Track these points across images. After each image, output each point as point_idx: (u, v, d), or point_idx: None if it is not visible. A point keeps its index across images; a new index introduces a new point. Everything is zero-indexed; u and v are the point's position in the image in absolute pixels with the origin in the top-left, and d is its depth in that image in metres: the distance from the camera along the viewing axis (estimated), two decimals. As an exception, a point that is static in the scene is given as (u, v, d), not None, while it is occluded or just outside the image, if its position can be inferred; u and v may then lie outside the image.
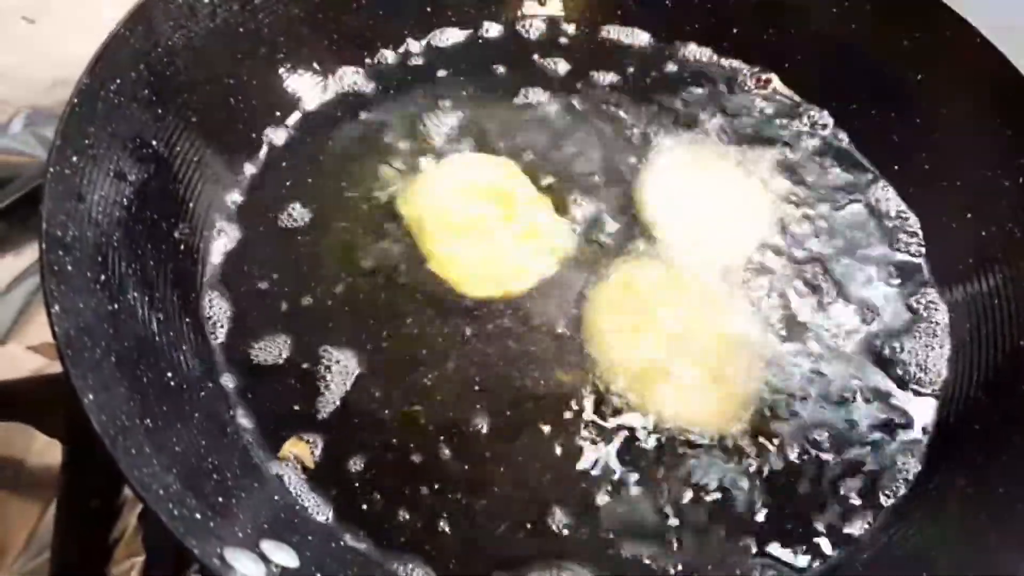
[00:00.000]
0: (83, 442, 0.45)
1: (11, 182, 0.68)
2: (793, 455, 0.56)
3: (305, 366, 0.56)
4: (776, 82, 0.73)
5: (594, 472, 0.54)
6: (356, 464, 0.53)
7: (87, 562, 0.54)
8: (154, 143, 0.57)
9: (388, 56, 0.72)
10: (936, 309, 0.62)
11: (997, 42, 0.62)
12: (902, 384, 0.59)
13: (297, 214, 0.63)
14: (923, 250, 0.65)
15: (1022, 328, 0.57)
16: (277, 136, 0.66)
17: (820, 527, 0.54)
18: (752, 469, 0.55)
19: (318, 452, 0.53)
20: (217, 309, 0.58)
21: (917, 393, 0.59)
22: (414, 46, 0.73)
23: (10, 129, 0.72)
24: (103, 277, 0.50)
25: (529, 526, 0.52)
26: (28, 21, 0.78)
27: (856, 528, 0.54)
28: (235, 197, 0.63)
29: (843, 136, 0.71)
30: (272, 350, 0.57)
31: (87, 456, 0.54)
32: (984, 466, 0.53)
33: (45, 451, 0.58)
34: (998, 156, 0.62)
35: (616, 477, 0.54)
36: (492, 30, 0.75)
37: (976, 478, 0.53)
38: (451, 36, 0.74)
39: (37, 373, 0.61)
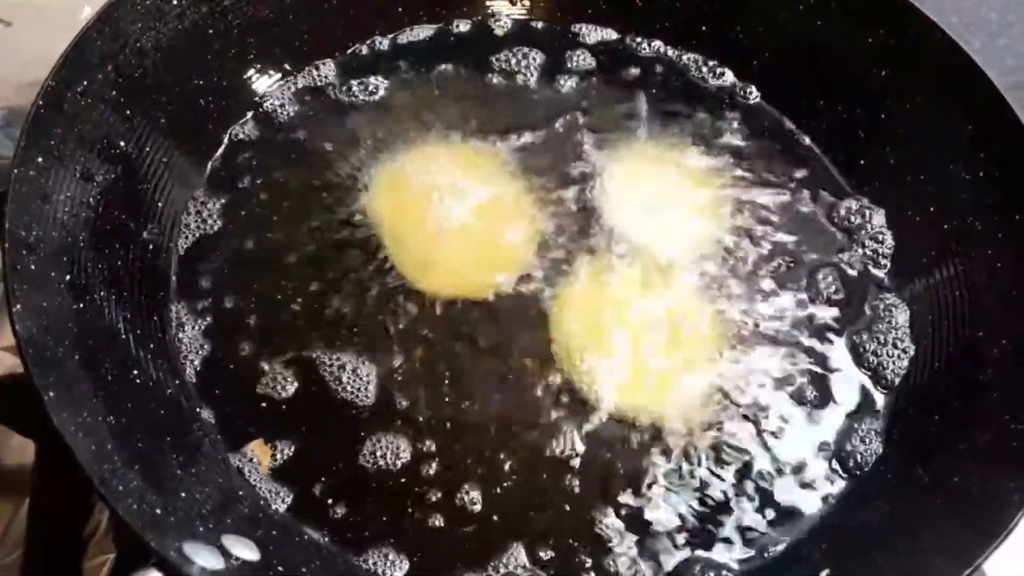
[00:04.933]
0: (54, 440, 0.46)
1: (-14, 183, 0.69)
2: (751, 441, 0.57)
3: (270, 362, 0.57)
4: (742, 81, 0.74)
5: (562, 464, 0.55)
6: (318, 459, 0.54)
7: (59, 559, 0.55)
8: (122, 144, 0.58)
9: (357, 52, 0.73)
10: (898, 302, 0.63)
11: (960, 40, 0.63)
12: (862, 374, 0.60)
13: (265, 212, 0.63)
14: (887, 244, 0.65)
15: (978, 320, 0.58)
16: (245, 135, 0.67)
17: (776, 511, 0.55)
18: (711, 455, 0.56)
19: (280, 450, 0.54)
20: (184, 308, 0.58)
21: (877, 383, 0.60)
22: (383, 42, 0.73)
23: (-15, 131, 0.73)
24: (68, 277, 0.50)
25: (495, 519, 0.53)
26: (4, 23, 0.79)
27: (813, 513, 0.55)
28: (203, 196, 0.63)
29: (806, 133, 0.71)
30: (238, 347, 0.57)
31: (59, 454, 0.55)
32: (941, 455, 0.54)
33: (19, 449, 0.58)
34: (960, 150, 0.62)
35: (584, 466, 0.55)
36: (462, 26, 0.75)
37: (933, 466, 0.54)
38: (421, 32, 0.74)
39: (11, 372, 0.62)
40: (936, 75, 0.64)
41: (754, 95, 0.73)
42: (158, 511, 0.44)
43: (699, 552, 0.53)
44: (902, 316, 0.62)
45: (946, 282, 0.61)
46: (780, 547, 0.54)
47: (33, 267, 0.48)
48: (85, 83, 0.55)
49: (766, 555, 0.54)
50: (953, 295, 0.60)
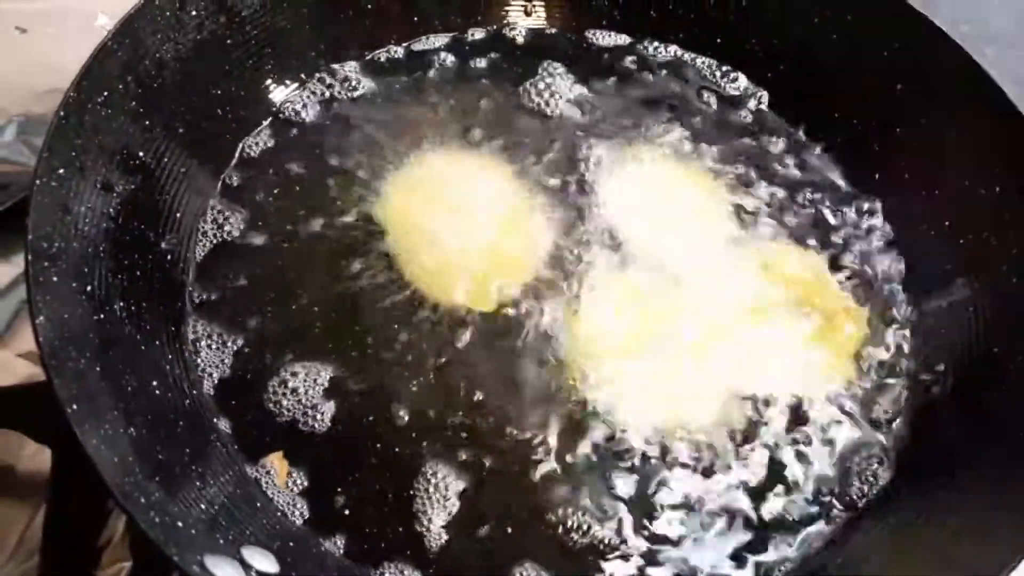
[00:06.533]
0: (71, 448, 0.46)
1: (3, 191, 0.69)
2: (762, 460, 0.57)
3: (285, 373, 0.57)
4: (756, 91, 0.74)
5: (577, 478, 0.55)
6: (335, 472, 0.54)
7: (74, 567, 0.55)
8: (141, 154, 0.58)
9: (373, 61, 0.73)
10: (913, 317, 0.63)
11: (973, 51, 0.63)
12: (876, 389, 0.60)
13: (281, 223, 0.63)
14: (902, 259, 0.65)
15: (993, 336, 0.58)
16: (262, 144, 0.67)
17: (786, 530, 0.55)
18: (723, 473, 0.56)
19: (296, 462, 0.54)
20: (201, 319, 0.59)
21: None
22: (399, 51, 0.74)
23: (2, 138, 0.73)
24: (89, 288, 0.51)
25: (510, 533, 0.53)
26: (20, 30, 0.79)
27: (825, 535, 0.55)
28: (220, 205, 0.63)
29: (818, 145, 0.72)
30: (254, 358, 0.57)
31: (75, 462, 0.55)
32: (956, 473, 0.54)
33: (35, 457, 0.59)
34: (975, 166, 0.62)
35: (598, 480, 0.55)
36: (477, 35, 0.76)
37: (948, 485, 0.54)
38: (436, 41, 0.75)
39: (28, 380, 0.62)
40: (950, 89, 0.64)
41: (766, 105, 0.73)
42: (179, 524, 0.44)
43: (710, 570, 0.53)
44: (917, 331, 0.62)
45: (960, 298, 0.61)
46: (790, 566, 0.54)
47: (55, 278, 0.48)
48: (105, 94, 0.55)
49: (775, 574, 0.54)
50: (967, 310, 0.60)
